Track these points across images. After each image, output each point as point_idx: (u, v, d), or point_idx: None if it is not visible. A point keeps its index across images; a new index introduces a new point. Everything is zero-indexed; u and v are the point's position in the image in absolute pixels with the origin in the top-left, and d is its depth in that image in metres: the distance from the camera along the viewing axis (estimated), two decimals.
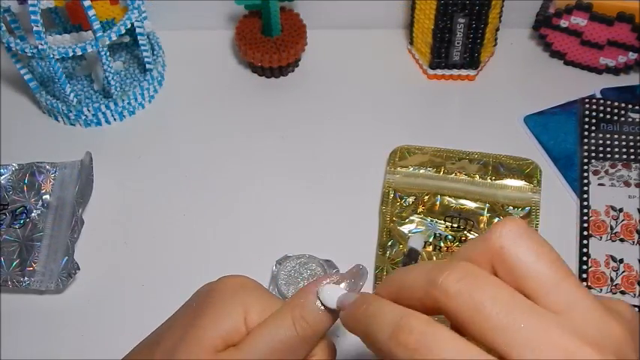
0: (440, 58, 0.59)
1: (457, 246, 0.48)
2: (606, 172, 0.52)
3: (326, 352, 0.32)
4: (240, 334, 0.30)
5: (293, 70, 0.62)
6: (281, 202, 0.52)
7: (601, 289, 0.46)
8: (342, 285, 0.31)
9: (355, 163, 0.55)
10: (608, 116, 0.55)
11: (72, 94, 0.56)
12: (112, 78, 0.56)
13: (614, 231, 0.49)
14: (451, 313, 0.24)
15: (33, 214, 0.51)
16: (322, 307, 0.30)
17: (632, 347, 0.24)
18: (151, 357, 0.31)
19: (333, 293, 0.30)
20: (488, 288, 0.24)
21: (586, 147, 0.54)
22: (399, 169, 0.52)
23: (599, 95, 0.58)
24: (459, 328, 0.24)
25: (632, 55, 0.58)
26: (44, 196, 0.52)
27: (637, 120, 0.55)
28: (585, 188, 0.51)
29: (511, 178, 0.51)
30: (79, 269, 0.48)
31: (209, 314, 0.31)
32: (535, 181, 0.51)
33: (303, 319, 0.30)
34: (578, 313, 0.24)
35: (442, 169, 0.52)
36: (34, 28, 0.50)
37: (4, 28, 0.52)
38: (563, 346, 0.23)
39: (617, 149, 0.53)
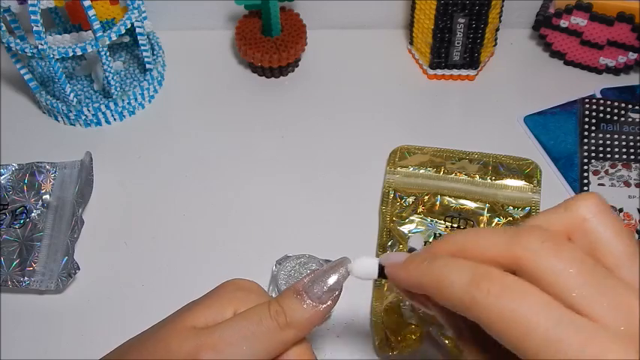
0: (440, 58, 0.59)
1: None
2: (606, 172, 0.52)
3: (303, 352, 0.32)
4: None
5: (293, 70, 0.62)
6: (281, 202, 0.53)
7: None
8: (329, 281, 0.31)
9: (355, 163, 0.55)
10: (608, 116, 0.55)
11: (72, 94, 0.56)
12: (112, 78, 0.56)
13: None
14: (531, 272, 0.25)
15: (33, 214, 0.51)
16: (306, 304, 0.31)
17: None
18: (136, 337, 0.32)
19: (365, 262, 0.31)
20: (574, 253, 0.25)
21: (586, 147, 0.54)
22: (399, 169, 0.52)
23: (599, 95, 0.58)
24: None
25: (632, 55, 0.58)
26: (44, 196, 0.52)
27: (637, 120, 0.55)
28: (585, 188, 0.51)
29: (511, 178, 0.51)
30: (79, 269, 0.48)
31: (201, 303, 0.32)
32: (535, 181, 0.51)
33: (282, 310, 0.30)
34: None
35: (442, 169, 0.52)
36: (34, 28, 0.50)
37: (4, 28, 0.52)
38: None
39: (617, 149, 0.53)
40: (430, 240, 0.49)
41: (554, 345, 0.23)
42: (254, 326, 0.30)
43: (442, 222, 0.49)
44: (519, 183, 0.51)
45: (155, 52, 0.61)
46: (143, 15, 0.57)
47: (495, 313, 0.24)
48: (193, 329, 0.31)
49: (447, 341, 0.42)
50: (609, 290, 0.24)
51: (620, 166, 0.52)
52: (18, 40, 0.53)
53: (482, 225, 0.49)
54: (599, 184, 0.51)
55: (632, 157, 0.52)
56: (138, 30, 0.57)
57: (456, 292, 0.26)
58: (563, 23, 0.58)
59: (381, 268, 0.31)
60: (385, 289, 0.45)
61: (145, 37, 0.58)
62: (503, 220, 0.49)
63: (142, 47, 0.58)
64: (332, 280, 0.31)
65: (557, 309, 0.24)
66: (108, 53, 0.54)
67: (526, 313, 0.24)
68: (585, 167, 0.52)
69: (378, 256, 0.48)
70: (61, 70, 0.54)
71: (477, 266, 0.26)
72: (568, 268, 0.24)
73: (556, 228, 0.27)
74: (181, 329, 0.31)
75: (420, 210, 0.50)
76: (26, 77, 0.57)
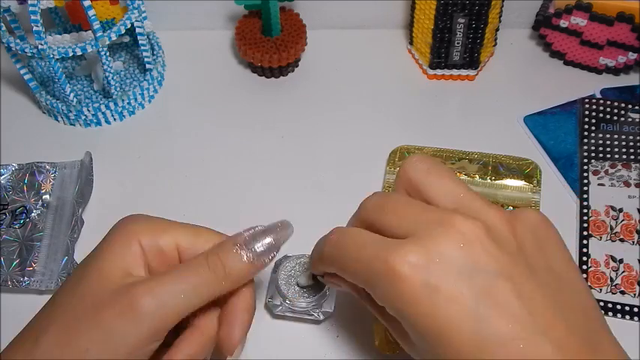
0: (440, 58, 0.59)
1: None
2: (606, 172, 0.52)
3: (247, 297, 0.35)
4: (139, 258, 0.33)
5: (293, 70, 0.62)
6: (281, 201, 0.53)
7: (601, 289, 0.46)
8: (268, 239, 0.34)
9: (355, 162, 0.55)
10: (608, 116, 0.55)
11: (72, 94, 0.56)
12: (112, 78, 0.56)
13: (614, 231, 0.49)
14: (368, 222, 0.33)
15: (33, 214, 0.51)
16: (245, 258, 0.33)
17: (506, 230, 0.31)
18: (53, 300, 0.33)
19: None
20: (393, 197, 0.33)
21: (586, 147, 0.54)
22: (398, 169, 0.52)
23: (599, 95, 0.58)
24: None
25: (632, 55, 0.58)
26: (44, 196, 0.52)
27: (637, 120, 0.55)
28: (585, 188, 0.51)
29: (511, 178, 0.51)
30: None
31: (105, 250, 0.33)
32: (535, 181, 0.51)
33: (220, 262, 0.32)
34: (468, 206, 0.31)
35: None
36: (34, 28, 0.50)
37: (4, 28, 0.52)
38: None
39: (617, 149, 0.53)
40: None
41: (360, 259, 0.31)
42: (192, 277, 0.32)
43: None
44: (519, 183, 0.51)
45: (155, 52, 0.61)
46: (143, 15, 0.57)
47: (333, 257, 0.34)
48: (124, 279, 0.31)
49: None
50: (415, 214, 0.31)
51: (620, 166, 0.52)
52: (18, 40, 0.53)
53: None
54: (599, 184, 0.51)
55: (632, 157, 0.52)
56: (138, 30, 0.57)
57: (321, 254, 0.36)
58: (563, 23, 0.58)
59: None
60: None
61: (145, 37, 0.58)
62: None
63: (142, 47, 0.58)
64: (272, 239, 0.34)
65: (366, 235, 0.32)
66: (108, 53, 0.54)
67: (345, 246, 0.33)
68: (585, 167, 0.52)
69: None
70: (61, 70, 0.54)
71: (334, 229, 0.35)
72: (387, 207, 0.32)
73: (397, 189, 0.35)
74: (107, 279, 0.31)
75: None
76: (26, 77, 0.57)
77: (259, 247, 0.34)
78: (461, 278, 0.28)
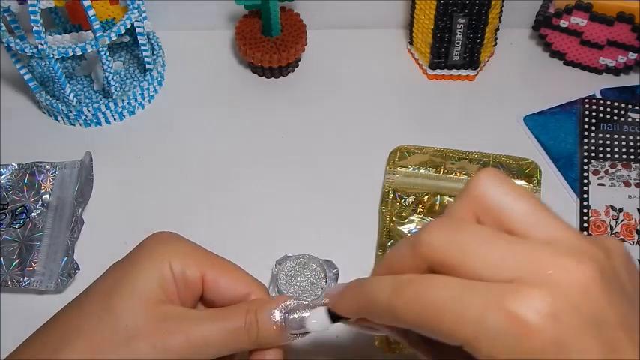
0: (440, 58, 0.59)
1: None
2: (606, 172, 0.52)
3: (277, 354, 0.33)
4: (170, 283, 0.32)
5: (293, 70, 0.62)
6: (281, 201, 0.53)
7: None
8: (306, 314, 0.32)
9: (355, 163, 0.55)
10: (607, 116, 0.55)
11: (72, 94, 0.56)
12: (112, 78, 0.56)
13: (614, 231, 0.49)
14: (439, 263, 0.25)
15: (33, 214, 0.51)
16: (279, 330, 0.32)
17: (611, 265, 0.25)
18: (80, 309, 0.32)
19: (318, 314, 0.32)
20: (469, 229, 0.25)
21: (586, 147, 0.54)
22: (398, 169, 0.52)
23: (598, 95, 0.58)
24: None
25: (632, 55, 0.58)
26: (44, 196, 0.52)
27: (637, 120, 0.55)
28: (585, 188, 0.51)
29: (511, 178, 0.51)
30: (79, 269, 0.48)
31: (135, 266, 0.32)
32: (535, 182, 0.51)
33: (257, 325, 0.31)
34: (562, 239, 0.25)
35: (442, 169, 0.52)
36: (34, 28, 0.50)
37: (4, 28, 0.52)
38: (546, 260, 0.24)
39: (616, 149, 0.53)
40: None
41: (464, 312, 0.24)
42: (226, 331, 0.31)
43: None
44: (519, 183, 0.51)
45: (155, 52, 0.61)
46: (143, 15, 0.57)
47: (413, 313, 0.25)
48: (158, 305, 0.31)
49: None
50: (513, 254, 0.24)
51: (619, 166, 0.52)
52: (18, 40, 0.53)
53: None
54: (598, 184, 0.51)
55: (632, 157, 0.52)
56: (138, 30, 0.57)
57: (380, 306, 0.26)
58: (563, 23, 0.58)
59: (333, 314, 0.32)
60: None
61: (145, 37, 0.58)
62: None
63: (142, 47, 0.58)
64: (312, 322, 0.32)
65: (458, 283, 0.24)
66: (108, 53, 0.54)
67: (435, 299, 0.24)
68: (585, 167, 0.52)
69: (377, 256, 0.49)
70: (61, 70, 0.54)
71: (397, 277, 0.26)
72: (465, 246, 0.25)
73: (462, 214, 0.27)
74: (143, 302, 0.31)
75: (420, 210, 0.50)
76: (26, 77, 0.57)
77: (296, 325, 0.32)
78: (590, 332, 0.23)
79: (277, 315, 0.32)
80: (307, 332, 0.32)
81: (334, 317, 0.31)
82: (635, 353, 0.23)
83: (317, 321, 0.32)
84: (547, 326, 0.22)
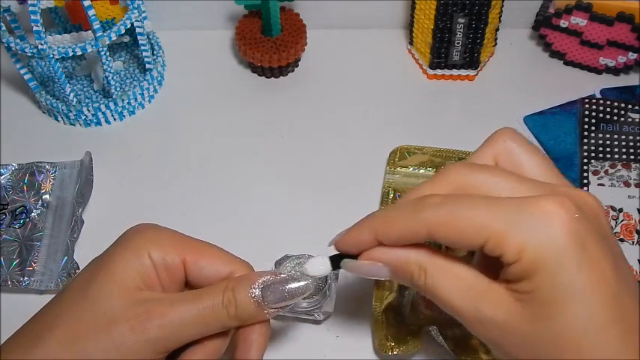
0: (440, 58, 0.59)
1: None
2: (606, 172, 0.52)
3: (265, 332, 0.34)
4: (150, 271, 0.32)
5: (293, 70, 0.62)
6: (281, 201, 0.53)
7: None
8: (286, 287, 0.33)
9: (355, 162, 0.55)
10: (607, 116, 0.55)
11: (72, 94, 0.56)
12: (112, 78, 0.56)
13: (614, 231, 0.49)
14: (465, 184, 0.30)
15: (33, 214, 0.51)
16: (257, 305, 0.32)
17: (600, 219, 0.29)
18: (59, 300, 0.32)
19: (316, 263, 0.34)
20: (491, 167, 0.31)
21: (586, 147, 0.54)
22: (398, 169, 0.52)
23: (598, 95, 0.58)
24: None
25: (632, 55, 0.58)
26: (44, 196, 0.52)
27: (637, 120, 0.55)
28: (585, 188, 0.51)
29: None
30: (78, 269, 0.48)
31: (117, 257, 0.33)
32: None
33: (234, 301, 0.32)
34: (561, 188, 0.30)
35: None
36: (34, 28, 0.50)
37: (4, 28, 0.52)
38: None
39: (616, 149, 0.53)
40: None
41: (497, 208, 0.28)
42: (205, 310, 0.32)
43: None
44: None
45: (155, 52, 0.61)
46: (143, 15, 0.57)
47: (443, 213, 0.29)
48: (136, 291, 0.31)
49: (446, 341, 0.42)
50: (533, 183, 0.29)
51: (619, 166, 0.52)
52: (18, 40, 0.53)
53: None
54: (598, 184, 0.51)
55: (632, 157, 0.52)
56: (138, 30, 0.57)
57: (406, 222, 0.31)
58: (563, 23, 0.58)
59: (335, 261, 0.33)
60: (385, 289, 0.45)
61: (145, 37, 0.58)
62: None
63: (142, 47, 0.58)
64: (290, 294, 0.33)
65: (485, 195, 0.29)
66: (108, 53, 0.54)
67: (467, 201, 0.29)
68: (585, 167, 0.52)
69: None
70: (61, 70, 0.54)
71: (420, 195, 0.31)
72: (494, 174, 0.30)
73: (485, 160, 0.32)
74: (121, 288, 0.31)
75: None
76: (26, 77, 0.57)
77: (274, 299, 0.33)
78: (601, 242, 0.27)
79: (256, 290, 0.32)
80: (288, 306, 0.33)
81: (335, 265, 0.33)
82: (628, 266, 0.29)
83: (318, 267, 0.33)
84: (569, 218, 0.26)
